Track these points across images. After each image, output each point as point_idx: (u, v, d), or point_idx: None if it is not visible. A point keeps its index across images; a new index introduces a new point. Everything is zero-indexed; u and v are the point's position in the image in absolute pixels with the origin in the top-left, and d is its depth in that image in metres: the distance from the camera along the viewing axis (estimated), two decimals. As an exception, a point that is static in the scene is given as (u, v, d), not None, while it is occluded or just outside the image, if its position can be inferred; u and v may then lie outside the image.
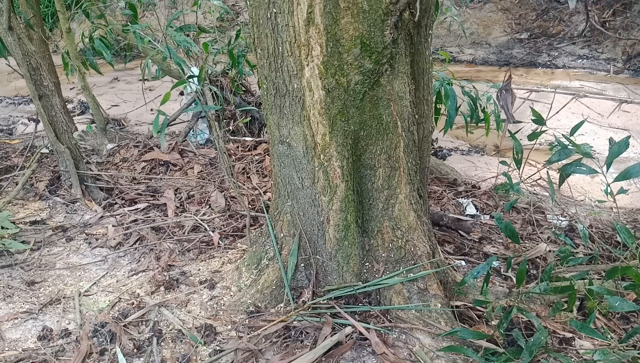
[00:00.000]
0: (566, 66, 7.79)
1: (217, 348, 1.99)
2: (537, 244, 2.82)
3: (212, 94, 4.01)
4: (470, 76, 7.27)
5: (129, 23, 3.99)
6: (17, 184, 3.37)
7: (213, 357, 1.93)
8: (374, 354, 1.91)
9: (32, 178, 3.49)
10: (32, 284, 2.44)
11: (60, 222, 3.03)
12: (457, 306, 2.15)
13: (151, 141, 4.18)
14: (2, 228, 2.77)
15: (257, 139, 4.23)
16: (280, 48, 1.92)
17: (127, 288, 2.41)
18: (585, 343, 2.01)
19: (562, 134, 1.92)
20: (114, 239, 2.83)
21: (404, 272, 2.12)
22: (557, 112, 4.13)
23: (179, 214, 3.12)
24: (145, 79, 4.27)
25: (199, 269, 2.54)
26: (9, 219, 2.86)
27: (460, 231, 2.96)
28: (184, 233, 2.90)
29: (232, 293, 2.32)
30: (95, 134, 4.36)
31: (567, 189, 3.73)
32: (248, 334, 2.04)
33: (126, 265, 2.63)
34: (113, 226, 2.97)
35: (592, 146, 4.34)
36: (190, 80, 2.94)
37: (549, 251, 2.75)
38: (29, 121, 5.10)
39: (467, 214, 3.22)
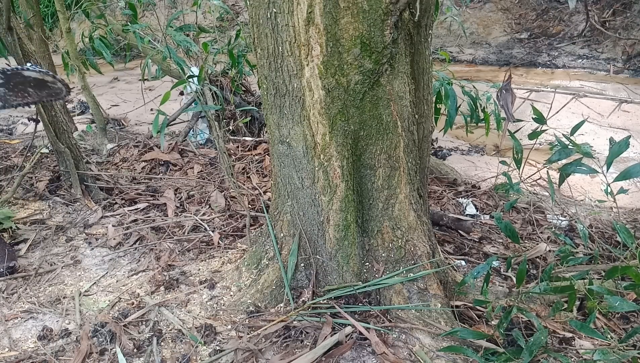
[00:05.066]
0: (566, 66, 7.79)
1: (217, 348, 1.99)
2: (537, 244, 2.82)
3: (212, 94, 4.01)
4: (470, 75, 7.27)
5: (129, 23, 4.00)
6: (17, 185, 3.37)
7: (213, 357, 1.93)
8: (374, 354, 1.91)
9: (32, 177, 3.49)
10: (32, 284, 2.44)
11: (60, 222, 3.03)
12: (457, 306, 2.15)
13: (151, 141, 4.18)
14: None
15: (257, 139, 4.23)
16: (280, 48, 1.92)
17: (127, 288, 2.41)
18: (585, 343, 2.01)
19: (562, 134, 1.92)
20: (114, 239, 2.83)
21: (404, 272, 2.12)
22: (557, 112, 4.13)
23: (179, 214, 3.12)
24: (145, 79, 4.28)
25: (199, 269, 2.54)
26: (7, 215, 2.86)
27: (460, 231, 2.96)
28: (184, 233, 2.90)
29: (232, 293, 2.32)
30: (95, 134, 4.36)
31: (567, 189, 3.73)
32: (248, 334, 2.04)
33: (126, 265, 2.63)
34: (113, 226, 2.96)
35: (592, 146, 4.35)
36: (190, 80, 2.94)
37: (549, 251, 2.75)
38: (29, 121, 5.10)
39: (467, 214, 3.22)
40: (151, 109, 5.38)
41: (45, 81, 2.08)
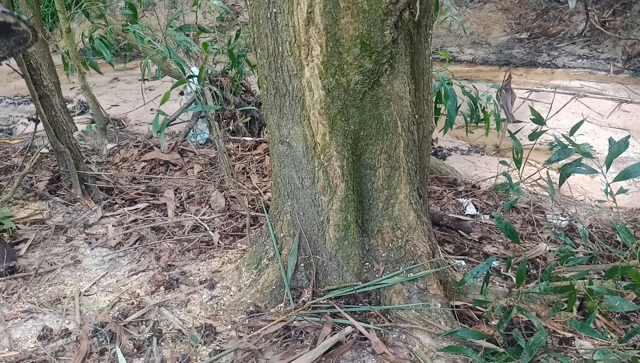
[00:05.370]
0: (566, 66, 7.79)
1: (217, 348, 1.99)
2: (537, 244, 2.82)
3: (212, 94, 4.02)
4: (470, 75, 7.27)
5: (129, 23, 4.00)
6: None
7: (213, 357, 1.93)
8: (374, 354, 1.91)
9: (32, 177, 3.49)
10: (32, 284, 2.44)
11: (60, 222, 3.03)
12: (457, 306, 2.15)
13: (151, 141, 4.18)
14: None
15: (257, 139, 4.23)
16: (280, 48, 1.92)
17: (127, 288, 2.41)
18: (585, 343, 2.01)
19: (562, 134, 1.92)
20: (114, 239, 2.83)
21: (404, 272, 2.12)
22: (557, 112, 4.13)
23: (179, 214, 3.12)
24: (145, 79, 4.28)
25: (199, 269, 2.54)
26: (7, 215, 2.86)
27: (460, 231, 2.96)
28: (184, 233, 2.90)
29: (232, 293, 2.32)
30: (95, 134, 4.36)
31: (567, 189, 3.73)
32: (248, 334, 2.04)
33: (126, 265, 2.63)
34: (113, 226, 2.96)
35: (592, 146, 4.35)
36: (190, 80, 2.95)
37: (549, 251, 2.75)
38: (29, 121, 5.10)
39: (467, 214, 3.22)
40: (151, 109, 5.38)
41: (9, 24, 1.85)
